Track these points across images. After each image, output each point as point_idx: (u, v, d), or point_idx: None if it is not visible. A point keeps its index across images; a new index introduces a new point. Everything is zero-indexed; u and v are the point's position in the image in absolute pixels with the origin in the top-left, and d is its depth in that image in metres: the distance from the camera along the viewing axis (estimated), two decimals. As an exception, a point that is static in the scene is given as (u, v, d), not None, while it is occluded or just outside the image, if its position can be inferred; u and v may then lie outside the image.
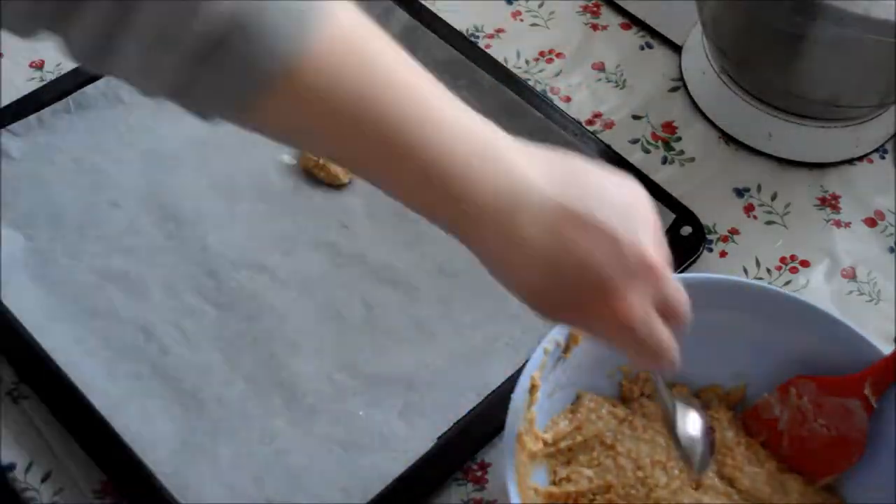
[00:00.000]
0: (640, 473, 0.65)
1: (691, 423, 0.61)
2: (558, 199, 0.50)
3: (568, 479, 0.65)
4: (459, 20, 0.95)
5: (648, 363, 0.56)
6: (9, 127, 0.83)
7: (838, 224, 0.85)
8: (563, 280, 0.50)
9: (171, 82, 0.45)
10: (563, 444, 0.66)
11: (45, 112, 0.85)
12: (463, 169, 0.48)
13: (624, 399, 0.70)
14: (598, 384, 0.69)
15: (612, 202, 0.51)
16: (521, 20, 0.98)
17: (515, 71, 0.92)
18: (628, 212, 0.51)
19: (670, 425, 0.60)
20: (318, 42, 0.46)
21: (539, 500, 0.63)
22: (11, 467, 0.69)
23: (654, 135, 0.90)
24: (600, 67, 0.95)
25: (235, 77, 0.45)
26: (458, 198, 0.48)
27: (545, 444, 0.65)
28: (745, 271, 0.81)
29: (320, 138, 0.49)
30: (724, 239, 0.83)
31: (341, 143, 0.48)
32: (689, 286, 0.66)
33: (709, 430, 0.61)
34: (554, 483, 0.65)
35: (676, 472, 0.65)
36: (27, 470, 0.69)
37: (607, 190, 0.51)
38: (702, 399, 0.70)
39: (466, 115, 0.50)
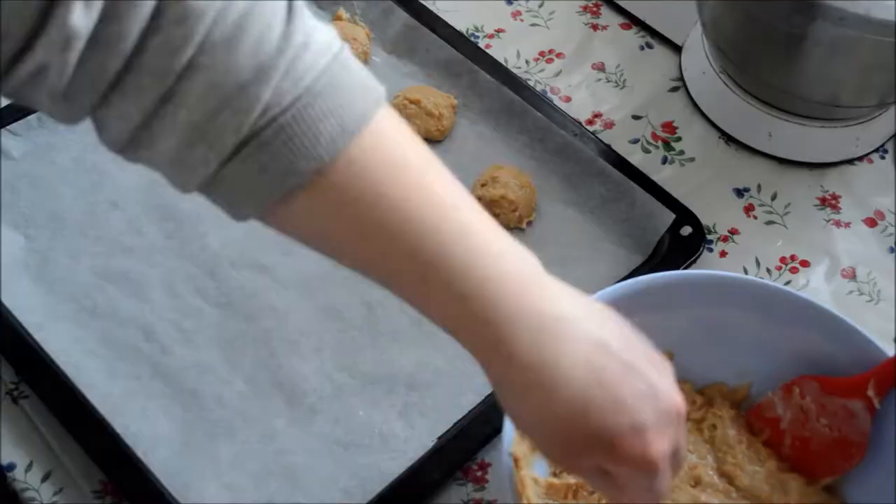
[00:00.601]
0: None
1: None
2: (599, 335, 0.48)
3: (568, 472, 0.65)
4: (459, 20, 0.95)
5: None
6: (9, 127, 0.83)
7: (838, 224, 0.85)
8: (593, 416, 0.48)
9: (204, 175, 0.45)
10: None
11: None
12: (502, 291, 0.47)
13: None
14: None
15: (645, 349, 0.51)
16: (521, 20, 0.98)
17: (515, 71, 0.92)
18: (660, 360, 0.51)
19: None
20: (354, 147, 0.45)
21: (539, 491, 0.63)
22: (11, 467, 0.69)
23: (654, 135, 0.90)
24: (600, 67, 0.95)
25: (268, 175, 0.45)
26: (489, 320, 0.47)
27: None
28: (745, 271, 0.81)
29: (348, 242, 0.48)
30: (724, 239, 0.83)
31: (367, 249, 0.48)
32: (697, 283, 0.67)
33: None
34: (554, 474, 0.65)
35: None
36: (27, 470, 0.69)
37: (638, 338, 0.51)
38: (705, 396, 0.70)
39: (501, 236, 0.49)
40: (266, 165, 0.45)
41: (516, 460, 0.60)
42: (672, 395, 0.50)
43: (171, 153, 0.45)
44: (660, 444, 0.49)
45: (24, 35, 0.40)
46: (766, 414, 0.68)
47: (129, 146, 0.46)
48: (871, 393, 0.62)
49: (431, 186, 0.48)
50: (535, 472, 0.64)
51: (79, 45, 0.41)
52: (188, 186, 0.47)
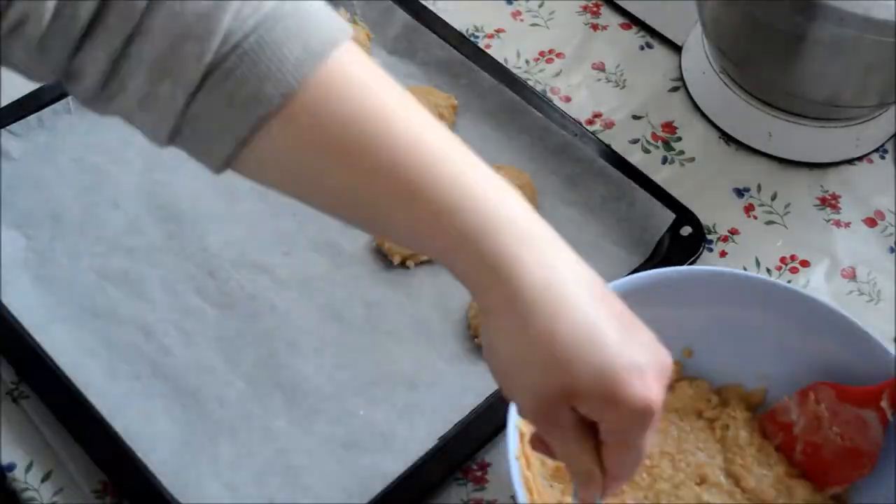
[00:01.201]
0: (647, 462, 0.66)
1: None
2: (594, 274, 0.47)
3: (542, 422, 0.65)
4: (459, 20, 0.95)
5: (624, 473, 0.50)
6: (9, 127, 0.83)
7: (838, 224, 0.85)
8: (599, 347, 0.44)
9: (174, 114, 0.45)
10: None
11: (45, 112, 0.85)
12: (496, 200, 0.45)
13: None
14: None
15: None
16: (521, 20, 0.98)
17: (515, 71, 0.92)
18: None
19: None
20: (322, 69, 0.45)
21: (545, 472, 0.63)
22: (11, 467, 0.69)
23: (654, 135, 0.90)
24: (600, 67, 0.95)
25: (235, 106, 0.45)
26: (486, 232, 0.44)
27: None
28: (746, 271, 0.81)
29: (326, 170, 0.47)
30: (724, 239, 0.83)
31: (347, 173, 0.46)
32: (718, 281, 0.67)
33: None
34: None
35: (683, 465, 0.66)
36: (27, 470, 0.69)
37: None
38: (721, 396, 0.70)
39: (477, 160, 0.48)
40: (233, 95, 0.44)
41: (522, 436, 0.60)
42: (667, 354, 0.48)
43: (139, 93, 0.45)
44: (659, 391, 0.46)
45: None
46: (780, 418, 0.68)
47: (102, 94, 0.46)
48: (884, 404, 0.62)
49: (407, 104, 0.47)
50: None
51: None
52: (160, 132, 0.46)
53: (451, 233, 0.45)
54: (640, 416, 0.45)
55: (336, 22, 0.47)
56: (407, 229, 0.47)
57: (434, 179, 0.45)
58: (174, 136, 0.47)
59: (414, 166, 0.45)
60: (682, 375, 0.70)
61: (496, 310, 0.46)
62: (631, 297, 0.64)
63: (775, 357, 0.68)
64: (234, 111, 0.45)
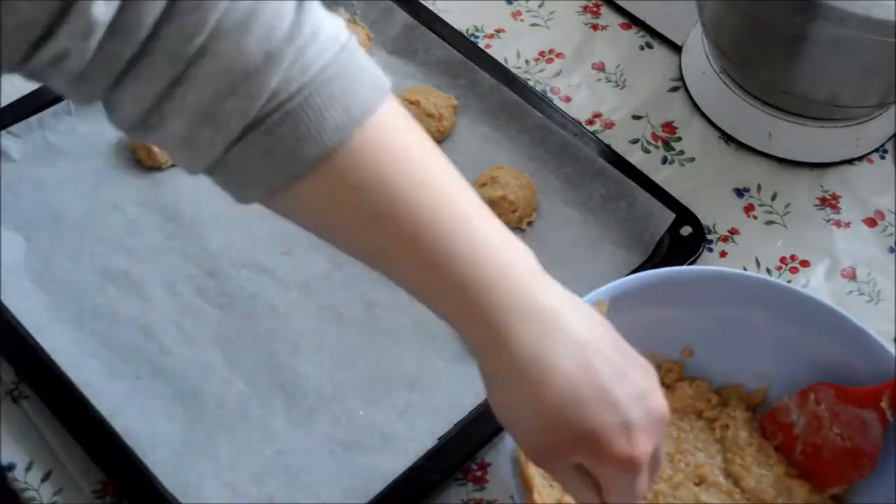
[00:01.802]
0: None
1: None
2: (589, 334, 0.50)
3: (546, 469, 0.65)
4: (459, 20, 0.95)
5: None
6: (9, 128, 0.83)
7: (838, 224, 0.85)
8: (582, 411, 0.48)
9: (210, 157, 0.46)
10: None
11: (46, 114, 0.85)
12: (503, 281, 0.48)
13: None
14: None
15: (632, 351, 0.52)
16: (521, 20, 0.98)
17: (515, 71, 0.92)
18: (645, 363, 0.52)
19: None
20: (357, 135, 0.47)
21: (545, 473, 0.63)
22: (11, 467, 0.69)
23: (654, 135, 0.90)
24: (600, 67, 0.95)
25: (273, 160, 0.46)
26: (489, 308, 0.48)
27: None
28: (746, 271, 0.81)
29: (349, 228, 0.50)
30: (724, 239, 0.83)
31: (369, 236, 0.49)
32: (720, 281, 0.67)
33: None
34: None
35: (682, 465, 0.66)
36: (27, 470, 0.69)
37: (623, 341, 0.52)
38: (722, 396, 0.70)
39: (500, 227, 0.51)
40: (271, 150, 0.46)
41: None
42: (659, 399, 0.51)
43: (179, 134, 0.46)
44: (645, 445, 0.49)
45: (48, 23, 0.41)
46: (780, 418, 0.68)
47: (140, 127, 0.47)
48: (884, 404, 0.62)
49: (433, 176, 0.49)
50: None
51: (99, 32, 0.42)
52: (195, 167, 0.48)
53: (458, 305, 0.49)
54: (626, 470, 0.49)
55: (377, 82, 0.49)
56: (419, 290, 0.50)
57: (451, 252, 0.48)
58: (208, 173, 0.49)
59: (433, 238, 0.48)
60: (682, 375, 0.70)
61: (490, 375, 0.50)
62: (631, 297, 0.65)
63: (775, 357, 0.68)
64: (269, 164, 0.46)
